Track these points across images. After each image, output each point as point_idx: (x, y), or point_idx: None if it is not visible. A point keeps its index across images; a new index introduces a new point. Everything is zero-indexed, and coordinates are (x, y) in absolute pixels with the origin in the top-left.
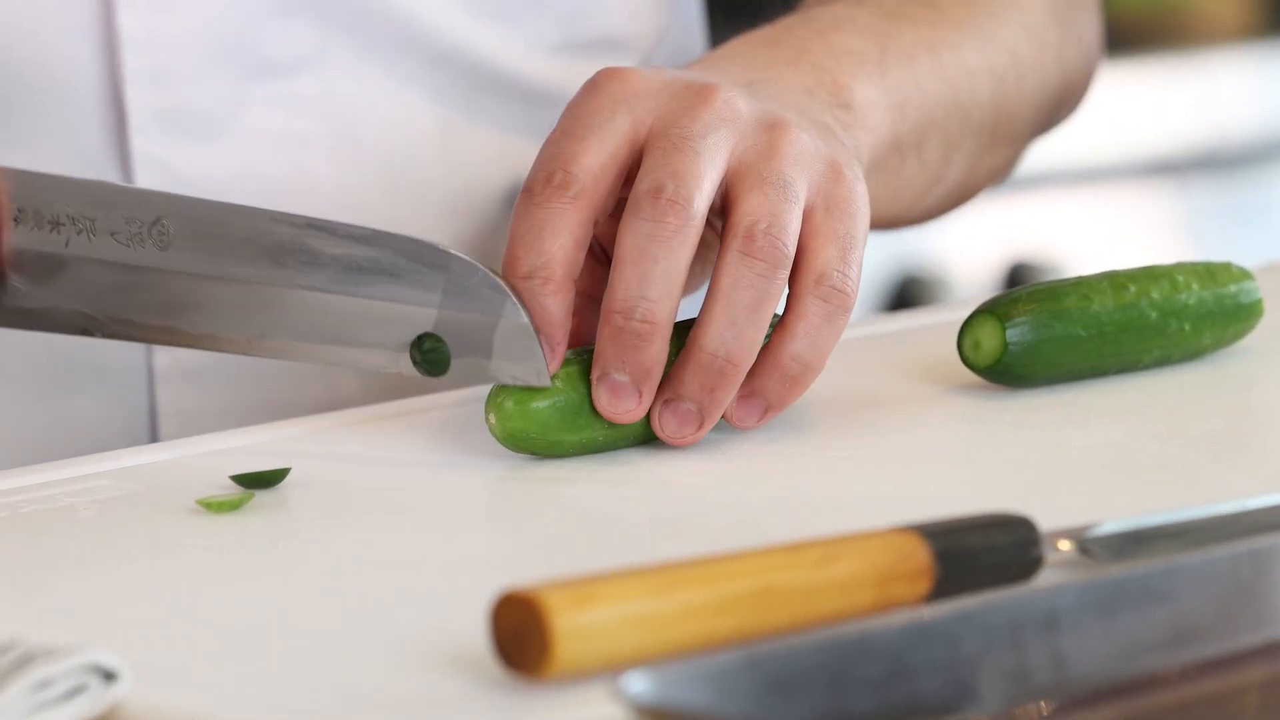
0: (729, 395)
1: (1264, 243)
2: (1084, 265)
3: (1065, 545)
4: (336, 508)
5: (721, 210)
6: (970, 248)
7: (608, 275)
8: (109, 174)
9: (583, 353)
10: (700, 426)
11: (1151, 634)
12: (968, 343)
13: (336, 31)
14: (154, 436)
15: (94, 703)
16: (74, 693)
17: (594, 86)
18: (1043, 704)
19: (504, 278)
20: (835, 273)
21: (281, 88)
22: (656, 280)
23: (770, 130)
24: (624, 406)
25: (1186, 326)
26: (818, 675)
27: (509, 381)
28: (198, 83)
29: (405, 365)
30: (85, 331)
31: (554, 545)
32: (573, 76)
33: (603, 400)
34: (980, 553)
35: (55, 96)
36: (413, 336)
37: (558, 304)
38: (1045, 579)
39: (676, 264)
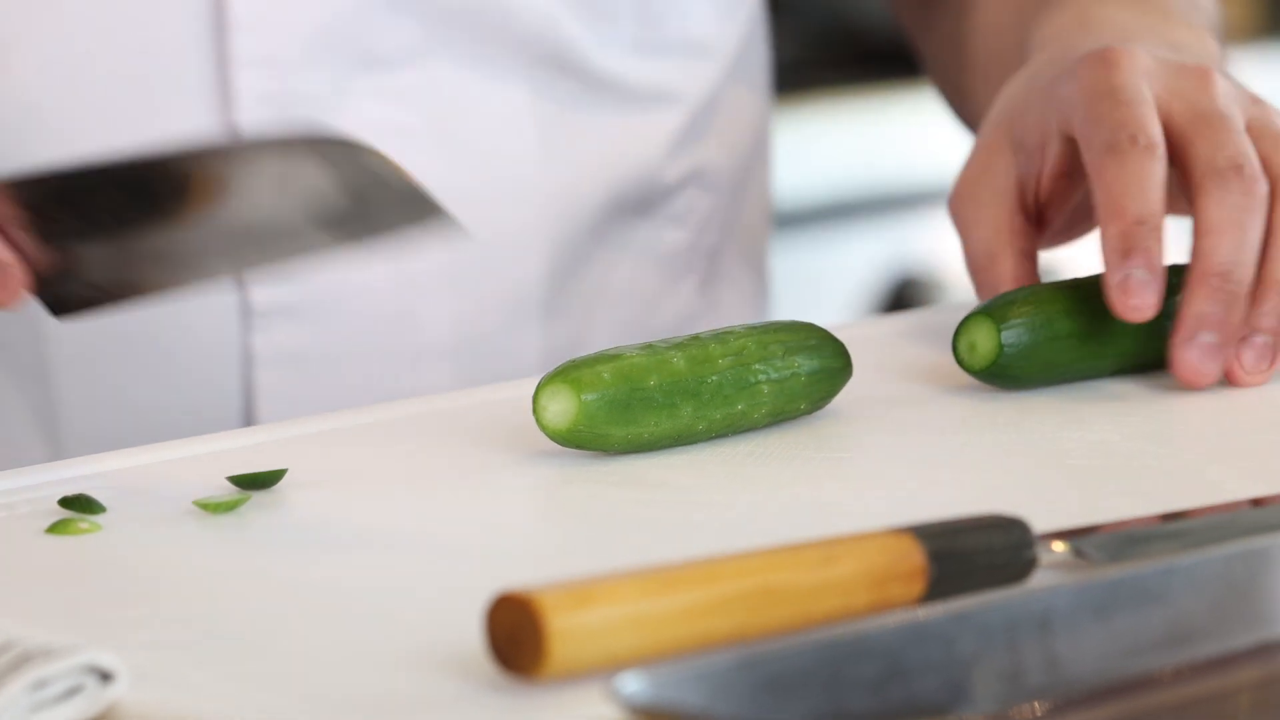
0: None
1: None
2: (1079, 268)
3: (1059, 546)
4: (333, 509)
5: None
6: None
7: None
8: None
9: (626, 350)
10: (1274, 360)
11: (1145, 635)
12: (963, 345)
13: (440, 27)
14: (249, 421)
15: (91, 703)
16: (71, 693)
17: (1111, 62)
18: (1037, 704)
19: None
20: None
21: (386, 80)
22: (1249, 247)
23: (1255, 103)
24: (1208, 368)
25: None
26: (813, 676)
27: (428, 241)
28: (305, 70)
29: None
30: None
31: (551, 546)
32: (658, 77)
33: (1190, 360)
34: (975, 554)
35: (165, 76)
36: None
37: (1161, 248)
38: (1040, 580)
39: (1258, 233)
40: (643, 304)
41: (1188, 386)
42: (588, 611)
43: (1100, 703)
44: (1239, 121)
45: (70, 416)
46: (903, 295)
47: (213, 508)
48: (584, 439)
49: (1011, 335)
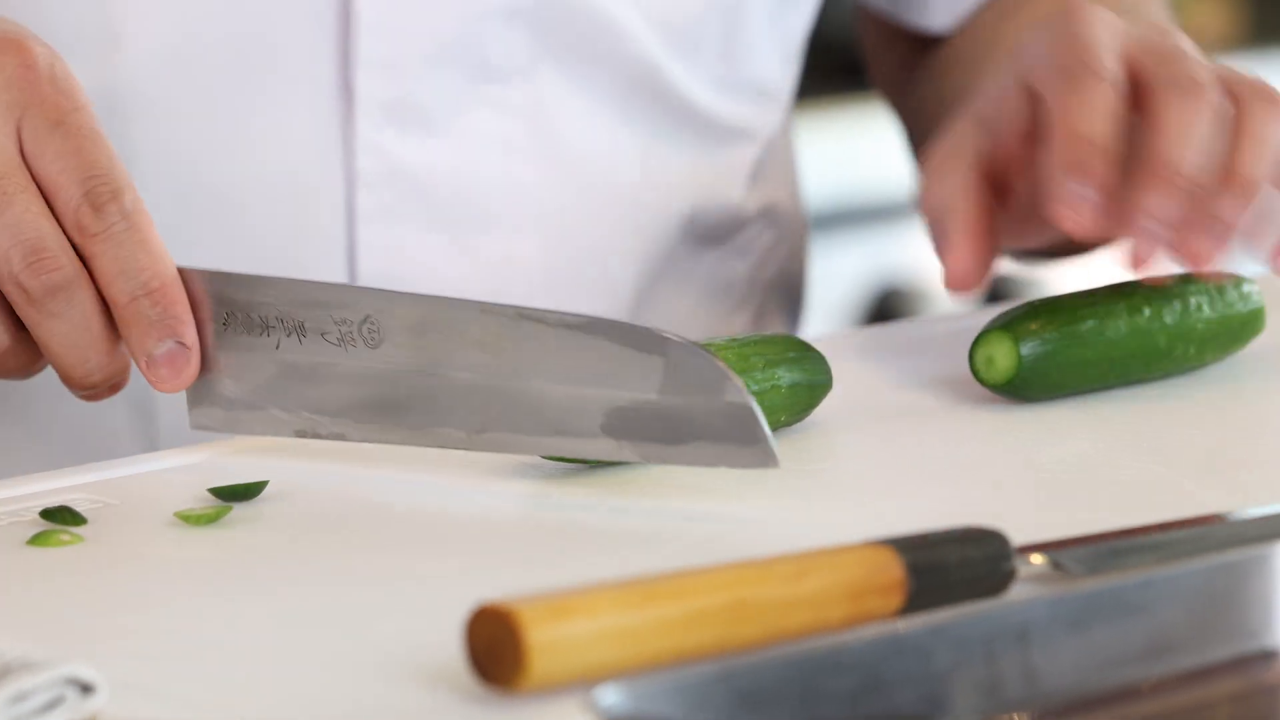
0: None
1: (1245, 255)
2: (1065, 279)
3: (1038, 559)
4: (314, 521)
5: None
6: None
7: None
8: (331, 159)
9: None
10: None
11: (1124, 647)
12: (980, 359)
13: (550, 44)
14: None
15: (71, 715)
16: (51, 705)
17: (1074, 14)
18: (1015, 717)
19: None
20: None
21: (497, 92)
22: (1207, 151)
23: (1227, 69)
24: (1148, 255)
25: (1192, 350)
26: (791, 688)
27: (737, 467)
28: (425, 77)
29: (629, 453)
30: (300, 434)
31: (530, 559)
32: (733, 113)
33: (1134, 249)
34: (953, 566)
35: (285, 72)
36: (635, 422)
37: (1106, 173)
38: (1018, 593)
39: (1217, 143)
40: (702, 331)
41: (1131, 267)
42: (566, 624)
43: (1079, 715)
44: (1204, 65)
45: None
46: (886, 306)
47: (194, 519)
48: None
49: (1030, 353)
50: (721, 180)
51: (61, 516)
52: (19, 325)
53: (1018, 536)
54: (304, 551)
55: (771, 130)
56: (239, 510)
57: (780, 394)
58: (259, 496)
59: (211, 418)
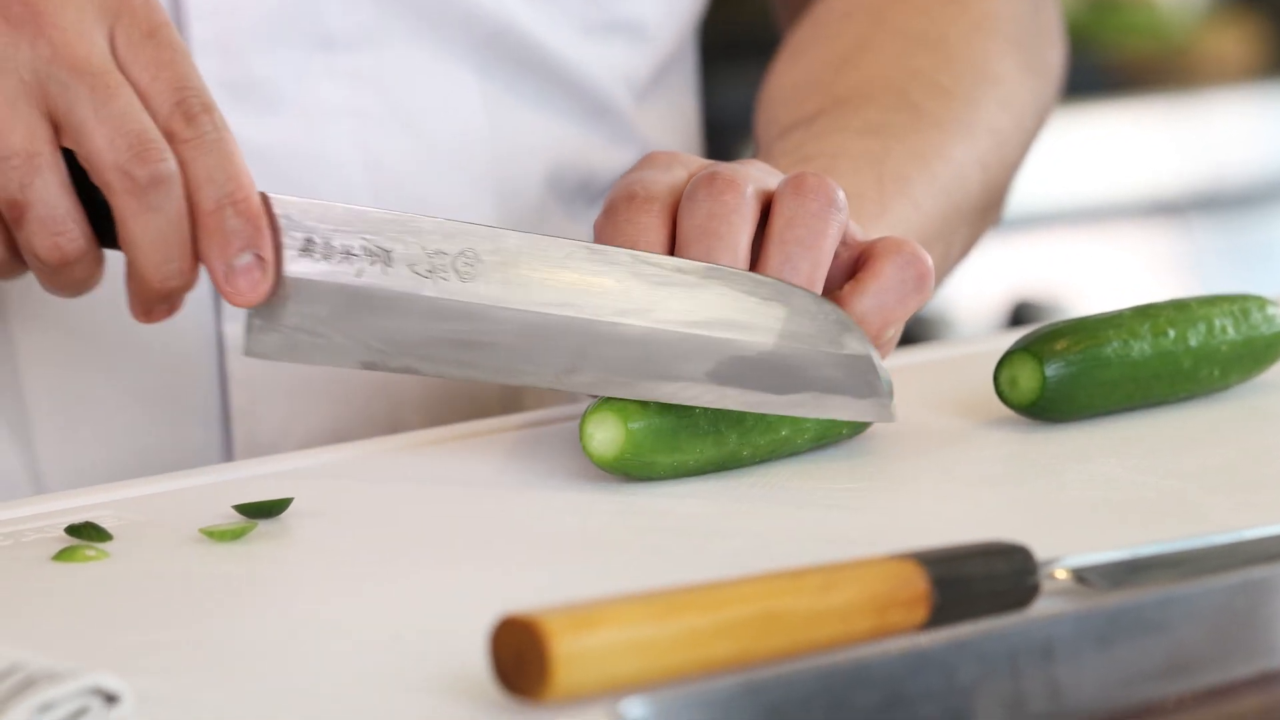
0: None
1: (1264, 281)
2: (1087, 304)
3: (1062, 574)
4: (338, 537)
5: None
6: (974, 286)
7: None
8: None
9: None
10: None
11: (1147, 663)
12: (1004, 380)
13: (393, 5)
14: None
15: None
16: (76, 715)
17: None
18: None
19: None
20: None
21: (343, 62)
22: (723, 255)
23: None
24: None
25: (1216, 372)
26: (816, 702)
27: (850, 418)
28: (263, 54)
29: (733, 400)
30: (369, 365)
31: (557, 573)
32: (602, 60)
33: None
34: (977, 580)
35: None
36: (745, 369)
37: None
38: (1042, 608)
39: (738, 240)
40: None
41: None
42: (591, 635)
43: None
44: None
45: (44, 427)
46: (910, 330)
47: (219, 535)
48: (630, 466)
49: (1055, 374)
50: (592, 139)
51: (87, 533)
52: (12, 242)
53: (1042, 554)
54: (328, 567)
55: (648, 78)
56: (264, 527)
57: None
58: (284, 513)
59: (269, 345)
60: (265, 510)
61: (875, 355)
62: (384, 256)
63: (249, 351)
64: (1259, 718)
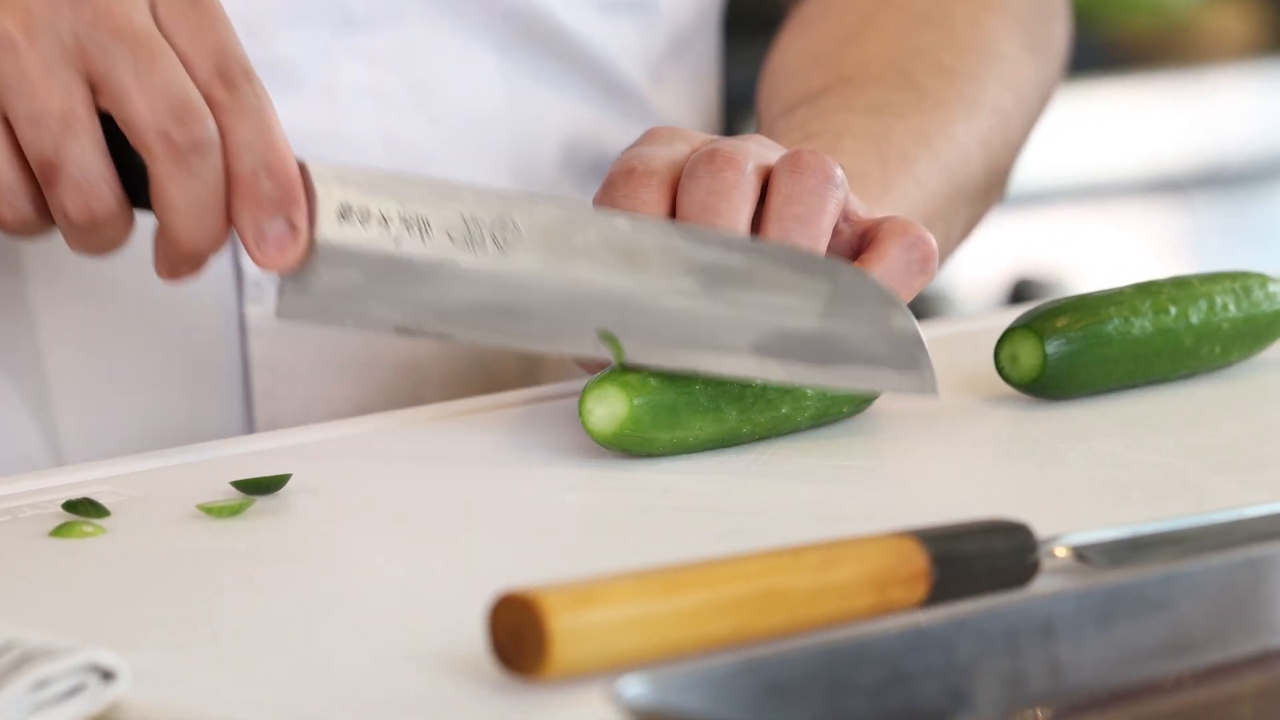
0: None
1: (1265, 259)
2: (1088, 281)
3: (1062, 551)
4: (336, 513)
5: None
6: (974, 263)
7: None
8: None
9: None
10: None
11: (1148, 642)
12: (1005, 356)
13: None
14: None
15: (92, 702)
16: (73, 692)
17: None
18: (1039, 711)
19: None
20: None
21: (364, 42)
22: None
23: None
24: None
25: (1217, 349)
26: (815, 680)
27: (893, 390)
28: (285, 33)
29: (775, 371)
30: (403, 331)
31: (555, 549)
32: (617, 37)
33: None
34: (977, 558)
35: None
36: (789, 342)
37: None
38: (1042, 586)
39: (738, 217)
40: None
41: None
42: (589, 612)
43: (1102, 709)
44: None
45: (65, 409)
46: (912, 306)
47: (216, 511)
48: (630, 443)
49: (1055, 351)
50: (607, 118)
51: (84, 508)
52: (40, 197)
53: (1043, 531)
54: (326, 543)
55: (664, 56)
56: (261, 503)
57: None
58: (283, 490)
59: (301, 307)
60: (263, 486)
61: (921, 331)
62: (423, 224)
63: (280, 314)
64: (1260, 696)
